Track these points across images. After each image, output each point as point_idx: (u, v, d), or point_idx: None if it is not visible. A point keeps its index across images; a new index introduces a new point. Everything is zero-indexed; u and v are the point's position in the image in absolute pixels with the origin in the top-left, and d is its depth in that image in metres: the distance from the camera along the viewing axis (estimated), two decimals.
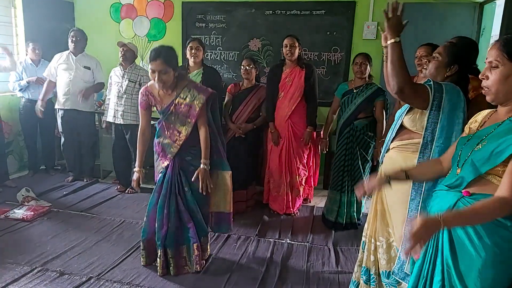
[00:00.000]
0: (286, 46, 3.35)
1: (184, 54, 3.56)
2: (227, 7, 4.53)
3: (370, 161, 3.26)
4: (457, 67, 1.69)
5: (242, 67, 3.51)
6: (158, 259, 2.47)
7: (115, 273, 2.47)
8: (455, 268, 1.23)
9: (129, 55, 3.78)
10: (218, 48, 4.66)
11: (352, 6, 4.23)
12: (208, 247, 2.71)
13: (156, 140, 2.50)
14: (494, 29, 3.63)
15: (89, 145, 4.29)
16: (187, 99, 2.36)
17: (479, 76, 1.30)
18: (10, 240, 2.86)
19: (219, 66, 4.65)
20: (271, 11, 4.43)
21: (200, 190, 2.39)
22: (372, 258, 1.90)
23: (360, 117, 3.21)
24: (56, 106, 4.14)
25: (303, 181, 3.61)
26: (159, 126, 2.47)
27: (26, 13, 4.42)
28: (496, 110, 1.32)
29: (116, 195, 3.93)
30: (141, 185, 2.52)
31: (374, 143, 3.21)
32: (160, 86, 2.30)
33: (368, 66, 3.18)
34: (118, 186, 4.08)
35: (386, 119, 3.19)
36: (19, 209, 3.35)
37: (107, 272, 2.48)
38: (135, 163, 2.56)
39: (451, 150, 1.42)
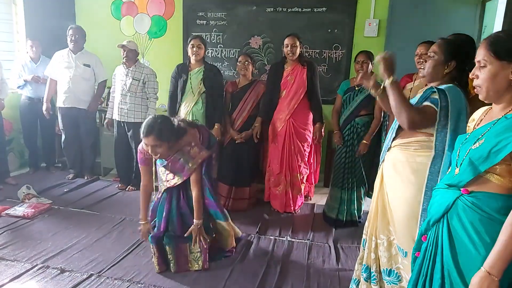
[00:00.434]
0: (287, 46, 3.34)
1: (185, 51, 3.56)
2: (228, 4, 4.52)
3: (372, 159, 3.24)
4: (455, 63, 1.70)
5: (239, 63, 3.52)
6: (153, 256, 2.48)
7: (116, 270, 2.48)
8: (455, 266, 1.23)
9: (131, 55, 3.78)
10: (219, 45, 4.65)
11: (353, 3, 4.22)
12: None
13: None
14: (496, 27, 3.62)
15: (89, 142, 4.29)
16: (181, 160, 2.41)
17: (469, 75, 1.30)
18: (11, 238, 2.86)
19: (220, 63, 4.65)
20: (272, 9, 4.43)
21: (193, 245, 2.44)
22: (373, 256, 1.89)
23: (361, 115, 3.21)
24: (57, 104, 4.14)
25: (304, 178, 3.60)
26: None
27: (27, 10, 4.41)
28: (491, 108, 1.32)
29: (117, 193, 3.93)
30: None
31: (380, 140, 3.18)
32: (155, 157, 2.35)
33: (370, 64, 3.17)
34: (119, 184, 4.08)
35: (386, 118, 3.17)
36: (20, 207, 3.35)
37: (108, 269, 2.48)
38: (136, 160, 2.57)
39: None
